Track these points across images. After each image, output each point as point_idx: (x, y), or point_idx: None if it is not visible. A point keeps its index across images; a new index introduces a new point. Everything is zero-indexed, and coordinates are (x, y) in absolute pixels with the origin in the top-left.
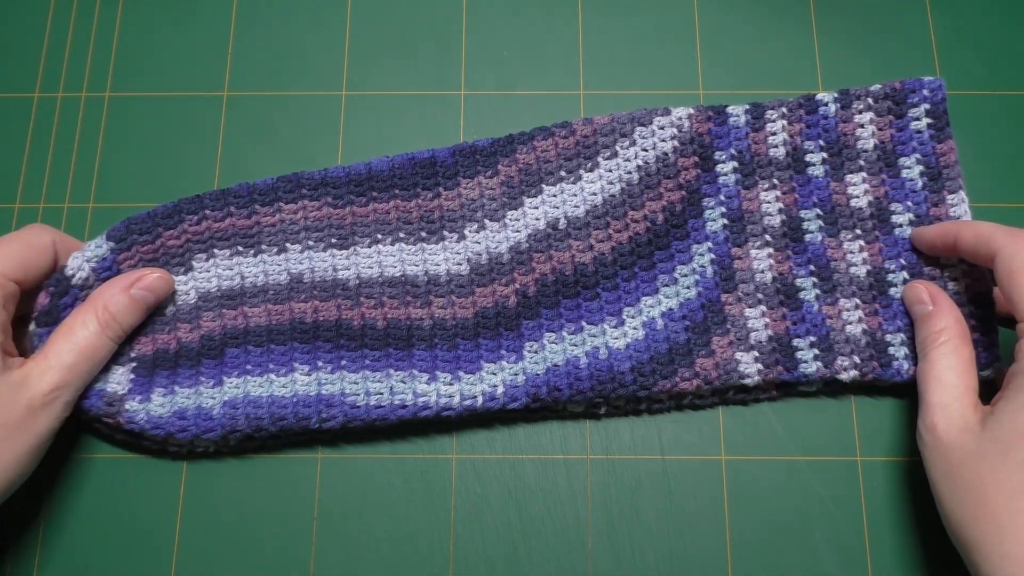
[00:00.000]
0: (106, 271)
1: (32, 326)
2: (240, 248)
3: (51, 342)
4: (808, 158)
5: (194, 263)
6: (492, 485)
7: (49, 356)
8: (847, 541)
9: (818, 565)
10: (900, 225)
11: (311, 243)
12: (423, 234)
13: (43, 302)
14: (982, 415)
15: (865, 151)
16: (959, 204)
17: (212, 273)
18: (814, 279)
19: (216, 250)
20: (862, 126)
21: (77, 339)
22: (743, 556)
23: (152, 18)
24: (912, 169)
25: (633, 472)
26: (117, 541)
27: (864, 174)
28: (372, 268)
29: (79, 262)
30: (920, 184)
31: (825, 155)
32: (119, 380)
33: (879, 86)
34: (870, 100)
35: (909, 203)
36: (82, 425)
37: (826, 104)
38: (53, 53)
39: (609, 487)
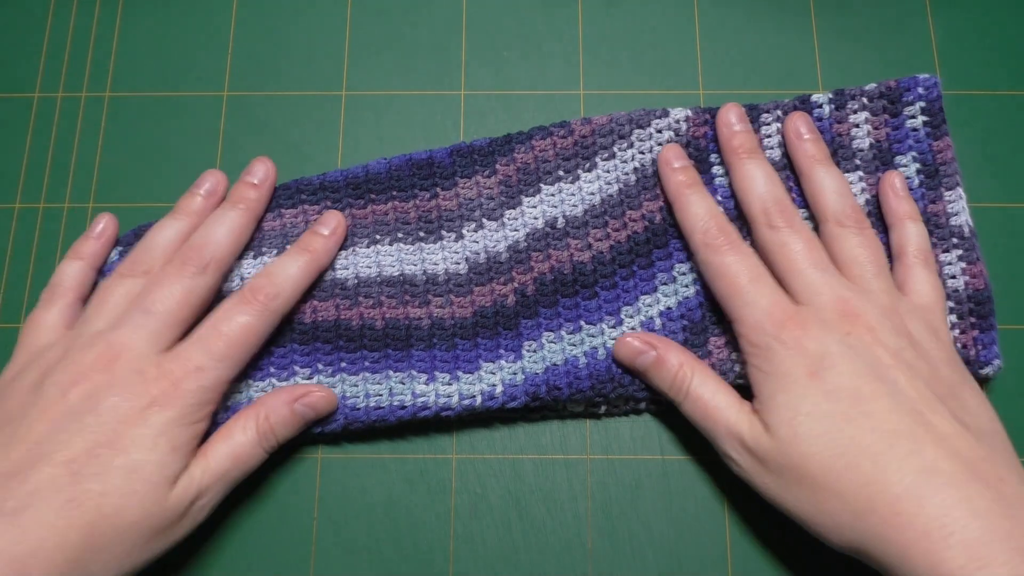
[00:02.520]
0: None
1: None
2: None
3: (211, 442)
4: None
5: None
6: (492, 485)
7: (208, 457)
8: None
9: (818, 565)
10: None
11: None
12: (421, 234)
13: None
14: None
15: (861, 150)
16: (956, 201)
17: None
18: None
19: None
20: (857, 126)
21: (234, 444)
22: (743, 556)
23: (152, 18)
24: (909, 167)
25: (633, 472)
26: None
27: (861, 173)
28: (370, 268)
29: None
30: (917, 182)
31: None
32: None
33: (874, 85)
34: (865, 99)
35: None
36: None
37: (821, 105)
38: (53, 53)
39: (609, 487)
